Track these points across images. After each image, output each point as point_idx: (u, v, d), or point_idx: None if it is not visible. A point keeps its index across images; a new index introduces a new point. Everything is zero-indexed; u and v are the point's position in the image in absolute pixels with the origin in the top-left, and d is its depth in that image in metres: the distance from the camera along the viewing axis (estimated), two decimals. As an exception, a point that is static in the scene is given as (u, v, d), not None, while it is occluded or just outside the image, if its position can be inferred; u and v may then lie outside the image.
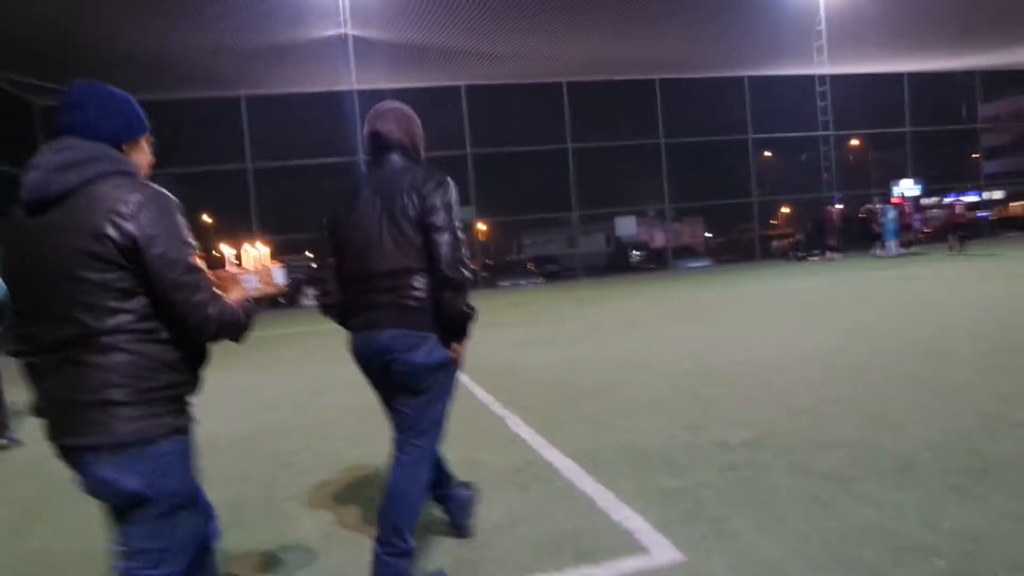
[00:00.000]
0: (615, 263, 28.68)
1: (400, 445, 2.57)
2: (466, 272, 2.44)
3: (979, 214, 34.83)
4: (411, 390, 2.51)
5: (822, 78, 24.24)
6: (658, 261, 26.77)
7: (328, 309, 2.70)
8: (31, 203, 1.68)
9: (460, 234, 2.45)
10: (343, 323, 2.66)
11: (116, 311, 1.66)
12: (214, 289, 1.77)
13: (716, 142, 25.39)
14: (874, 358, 6.10)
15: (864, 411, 4.44)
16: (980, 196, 35.38)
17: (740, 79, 24.25)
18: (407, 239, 2.43)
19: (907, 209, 22.50)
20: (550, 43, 19.70)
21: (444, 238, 2.40)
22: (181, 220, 1.73)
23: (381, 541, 2.48)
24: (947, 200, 22.67)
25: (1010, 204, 44.69)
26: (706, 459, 3.79)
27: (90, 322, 1.65)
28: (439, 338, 2.48)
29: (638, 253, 28.86)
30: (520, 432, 4.63)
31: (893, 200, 22.64)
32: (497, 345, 8.90)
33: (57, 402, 1.70)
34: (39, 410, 1.77)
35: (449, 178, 2.50)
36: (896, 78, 25.65)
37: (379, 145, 2.59)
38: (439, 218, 2.41)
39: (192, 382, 1.82)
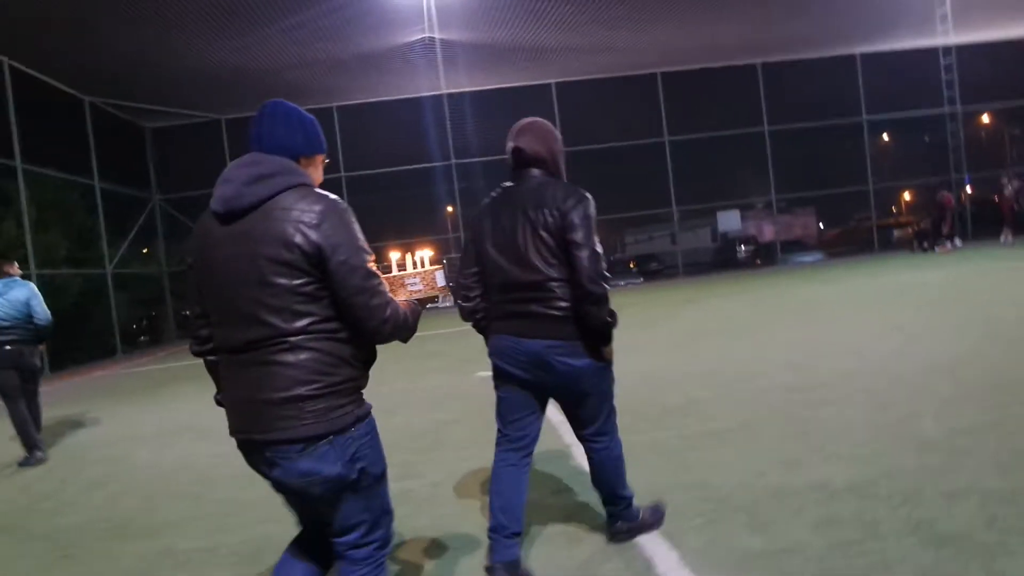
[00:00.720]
0: (721, 259, 27.37)
1: (585, 438, 2.84)
2: (606, 285, 2.53)
3: None
4: (577, 392, 2.70)
5: (947, 49, 22.02)
6: (767, 256, 25.18)
7: (471, 315, 2.82)
8: (224, 213, 1.82)
9: (599, 248, 2.56)
10: (483, 330, 2.83)
11: (303, 313, 1.79)
12: (388, 293, 1.90)
13: (826, 127, 23.48)
14: (1018, 370, 5.08)
15: (1009, 444, 3.56)
16: None
17: (852, 57, 22.38)
18: (550, 251, 2.55)
19: None
20: (640, 32, 18.72)
21: (584, 253, 2.50)
22: (357, 228, 1.85)
23: (607, 502, 2.94)
24: None
25: None
26: (799, 508, 3.07)
27: (280, 324, 1.78)
28: (584, 345, 2.61)
29: (745, 248, 27.37)
30: (578, 464, 3.99)
31: None
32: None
33: (249, 400, 1.82)
34: (227, 407, 1.92)
35: (588, 194, 2.60)
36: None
37: (521, 160, 2.70)
38: (579, 234, 2.51)
39: (365, 377, 1.94)
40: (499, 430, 2.83)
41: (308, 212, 1.78)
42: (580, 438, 2.86)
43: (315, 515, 1.99)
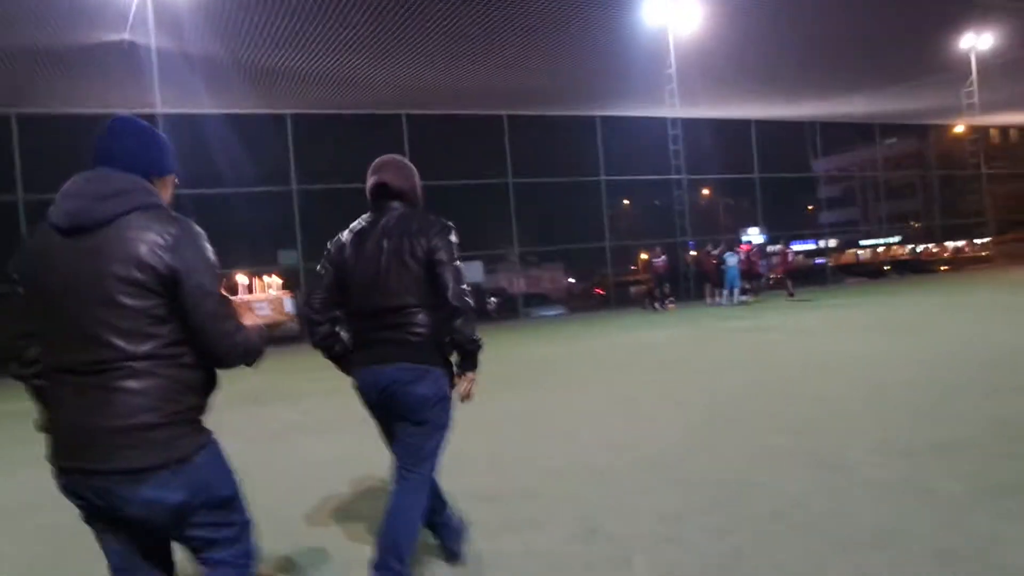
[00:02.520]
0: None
1: (401, 472, 2.76)
2: (470, 301, 2.66)
3: (817, 261, 36.15)
4: (413, 420, 2.72)
5: (674, 121, 23.69)
6: (510, 308, 24.99)
7: (323, 340, 2.82)
8: (68, 228, 1.76)
9: (462, 269, 2.71)
10: (335, 357, 2.87)
11: (150, 336, 1.75)
12: (238, 318, 1.90)
13: (567, 184, 24.11)
14: (742, 449, 4.28)
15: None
16: (817, 244, 36.75)
17: (593, 120, 23.23)
18: (412, 277, 2.68)
19: (754, 256, 21.96)
20: (383, 67, 17.67)
21: (449, 273, 2.64)
22: (211, 252, 1.84)
23: (378, 565, 2.67)
24: (774, 248, 22.34)
25: (845, 251, 47.39)
26: None
27: (125, 346, 1.72)
28: (443, 372, 2.73)
29: (494, 300, 27.08)
30: None
31: (742, 247, 22.00)
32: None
33: (84, 426, 1.73)
34: (53, 433, 1.82)
35: (451, 223, 2.76)
36: (744, 125, 25.64)
37: (384, 194, 2.83)
38: (443, 255, 2.66)
39: (206, 406, 1.91)
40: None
41: (164, 234, 1.76)
42: (396, 470, 2.80)
43: (161, 539, 1.93)
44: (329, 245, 2.92)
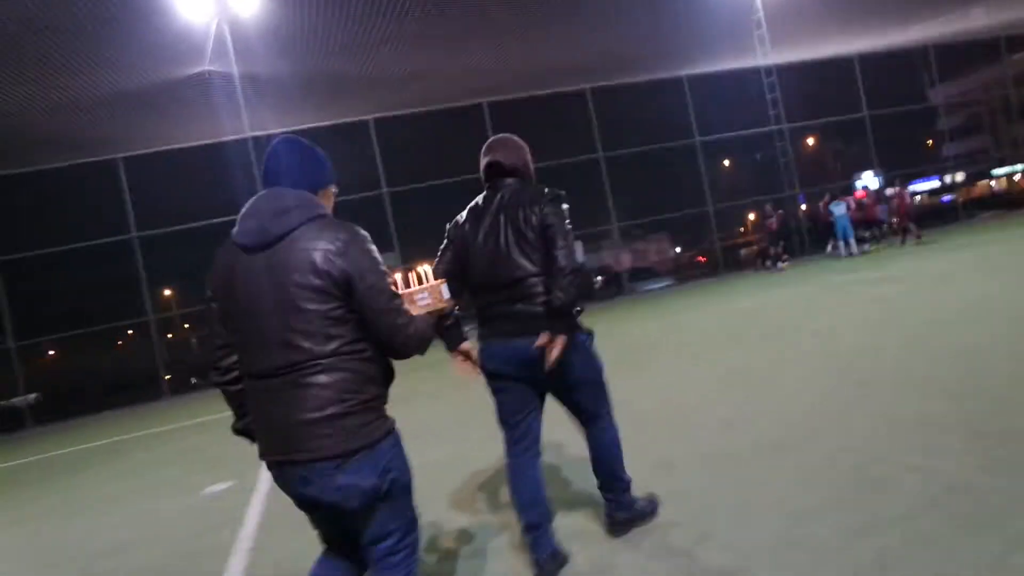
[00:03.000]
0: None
1: (585, 423, 2.99)
2: (578, 262, 2.69)
3: (944, 199, 33.19)
4: (565, 386, 2.86)
5: (768, 69, 22.20)
6: (615, 285, 24.31)
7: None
8: (252, 246, 1.93)
9: (571, 234, 2.73)
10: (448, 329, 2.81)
11: (333, 336, 1.91)
12: (408, 311, 2.05)
13: (660, 150, 23.08)
14: (879, 422, 3.65)
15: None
16: (942, 180, 33.78)
17: (679, 80, 22.11)
18: (532, 248, 2.73)
19: (870, 202, 20.23)
20: (458, 57, 17.40)
21: (560, 236, 2.66)
22: (377, 253, 1.99)
23: (606, 487, 3.05)
24: (891, 191, 20.18)
25: (976, 184, 43.32)
26: None
27: (312, 347, 1.89)
28: (576, 332, 2.77)
29: (600, 279, 26.46)
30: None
31: (857, 195, 20.33)
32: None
33: (284, 422, 1.91)
34: (255, 431, 2.03)
35: (562, 192, 2.79)
36: (847, 63, 23.68)
37: (497, 172, 2.91)
38: (554, 219, 2.70)
39: (386, 395, 2.05)
40: (504, 433, 2.95)
41: (334, 241, 1.91)
42: (579, 425, 3.01)
43: (348, 528, 2.04)
44: (448, 226, 3.00)
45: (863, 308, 9.07)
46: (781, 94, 22.42)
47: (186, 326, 35.93)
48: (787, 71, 22.41)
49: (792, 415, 4.63)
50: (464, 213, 2.96)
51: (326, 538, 2.18)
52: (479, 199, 2.96)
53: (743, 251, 32.23)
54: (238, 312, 1.96)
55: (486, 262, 2.80)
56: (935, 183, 37.93)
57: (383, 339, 1.97)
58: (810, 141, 38.58)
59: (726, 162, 41.04)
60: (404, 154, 20.10)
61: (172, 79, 15.08)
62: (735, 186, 36.31)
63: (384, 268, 1.98)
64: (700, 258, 33.27)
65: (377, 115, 19.73)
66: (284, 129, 19.00)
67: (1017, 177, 43.11)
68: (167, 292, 31.59)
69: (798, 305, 10.84)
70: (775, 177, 23.74)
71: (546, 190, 2.80)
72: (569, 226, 2.73)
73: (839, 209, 18.75)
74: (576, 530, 3.28)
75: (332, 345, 1.89)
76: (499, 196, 2.85)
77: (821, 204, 19.73)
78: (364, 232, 1.99)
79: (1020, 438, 3.37)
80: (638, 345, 10.10)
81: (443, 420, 7.00)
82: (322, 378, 1.88)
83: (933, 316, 7.39)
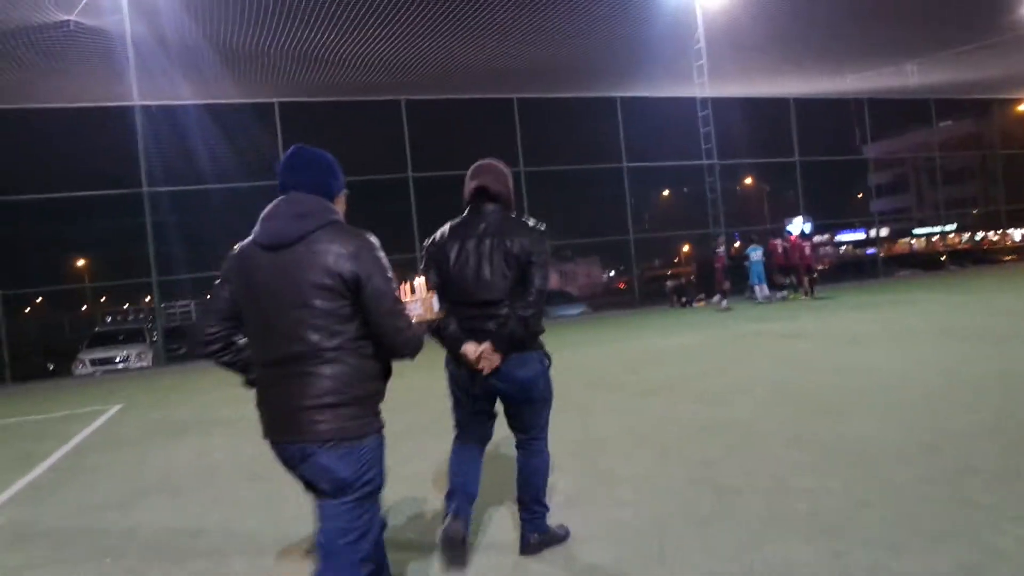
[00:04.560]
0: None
1: (522, 442, 3.20)
2: (543, 300, 3.03)
3: (868, 251, 33.54)
4: (521, 400, 3.09)
5: (704, 101, 21.57)
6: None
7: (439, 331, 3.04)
8: (271, 245, 2.15)
9: (550, 273, 3.11)
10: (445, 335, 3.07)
11: (338, 332, 2.11)
12: (408, 316, 2.25)
13: (587, 171, 22.14)
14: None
15: None
16: (867, 233, 34.18)
17: (613, 100, 21.27)
18: (507, 275, 2.98)
19: (793, 247, 19.43)
20: (387, 47, 16.04)
21: (540, 273, 3.00)
22: (385, 259, 2.18)
23: (526, 508, 3.21)
24: (777, 241, 19.42)
25: (898, 241, 44.34)
26: None
27: (319, 340, 2.10)
28: (540, 354, 3.11)
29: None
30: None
31: (773, 242, 19.43)
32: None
33: (284, 406, 2.14)
34: (264, 413, 2.23)
35: (543, 226, 3.10)
36: (782, 104, 23.33)
37: (483, 196, 3.10)
38: (538, 258, 2.99)
39: (383, 391, 2.26)
40: (457, 428, 3.26)
41: (347, 246, 2.11)
42: (519, 442, 3.21)
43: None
44: (427, 242, 3.19)
45: (762, 366, 8.11)
46: (715, 128, 21.82)
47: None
48: (722, 105, 21.81)
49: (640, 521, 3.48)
50: (444, 231, 3.12)
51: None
52: (460, 220, 3.14)
53: (669, 283, 31.79)
54: (253, 304, 2.18)
55: (465, 281, 3.00)
56: (861, 235, 38.49)
57: (384, 339, 2.17)
58: (747, 180, 38.58)
59: (664, 192, 40.69)
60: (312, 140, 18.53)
61: (31, 25, 13.12)
62: (666, 216, 35.90)
63: (390, 275, 2.16)
64: (620, 284, 32.62)
65: (282, 99, 18.14)
66: (185, 102, 17.27)
67: (936, 238, 44.30)
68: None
69: (695, 356, 9.85)
70: (703, 212, 23.17)
71: (531, 223, 3.08)
72: (548, 264, 3.04)
73: (755, 254, 18.15)
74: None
75: (336, 340, 2.10)
76: (483, 222, 3.05)
77: (719, 250, 18.87)
78: (375, 239, 2.19)
79: None
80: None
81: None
82: (324, 369, 2.09)
83: (829, 382, 6.43)
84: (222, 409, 8.43)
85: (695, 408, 6.14)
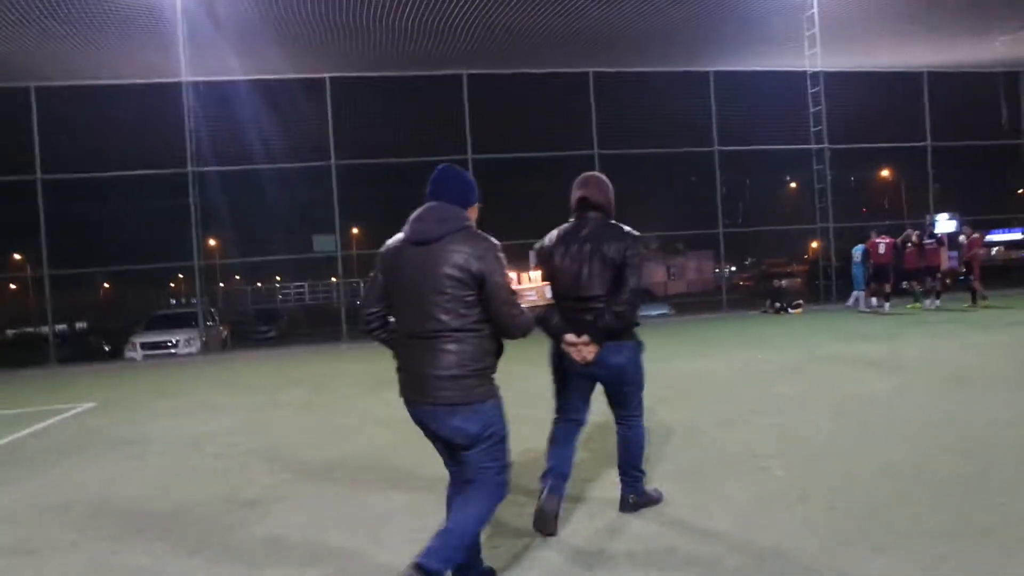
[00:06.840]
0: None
1: (619, 419, 3.74)
2: (639, 299, 3.52)
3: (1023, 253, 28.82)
4: (620, 383, 3.62)
5: (815, 76, 18.67)
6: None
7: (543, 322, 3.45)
8: (418, 242, 2.74)
9: (644, 274, 3.56)
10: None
11: (464, 315, 2.68)
12: (520, 305, 2.80)
13: (669, 155, 19.62)
14: None
15: None
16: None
17: (704, 74, 18.77)
18: (605, 275, 3.47)
19: (942, 249, 15.95)
20: (447, 12, 14.51)
21: (635, 275, 3.45)
22: (504, 259, 2.73)
23: (625, 473, 3.77)
24: (962, 238, 16.04)
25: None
26: None
27: (448, 320, 2.67)
28: (634, 344, 3.60)
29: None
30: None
31: (872, 241, 15.96)
32: None
33: (421, 373, 2.72)
34: (403, 376, 2.83)
35: (638, 233, 3.61)
36: (913, 78, 19.87)
37: (586, 206, 3.63)
38: (634, 260, 3.47)
39: (496, 366, 2.82)
40: (558, 407, 3.76)
41: (476, 248, 2.68)
42: (618, 418, 3.74)
43: (457, 455, 2.84)
44: (537, 245, 3.75)
45: (806, 417, 5.96)
46: (826, 107, 18.87)
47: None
48: (836, 80, 18.77)
49: None
50: (552, 235, 3.68)
51: (445, 461, 2.97)
52: (567, 226, 3.68)
53: (781, 282, 28.57)
54: (400, 287, 2.77)
55: (568, 279, 3.51)
56: (1017, 235, 33.17)
57: (500, 323, 2.72)
58: (881, 172, 34.31)
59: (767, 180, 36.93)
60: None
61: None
62: (774, 208, 32.52)
63: (507, 272, 2.74)
64: (739, 281, 29.08)
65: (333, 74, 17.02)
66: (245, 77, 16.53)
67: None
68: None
69: (727, 390, 7.71)
70: (809, 204, 20.28)
71: (626, 230, 3.56)
72: (642, 267, 3.51)
73: (857, 254, 15.40)
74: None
75: (461, 322, 2.66)
76: (585, 228, 3.58)
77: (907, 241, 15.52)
78: (496, 241, 2.74)
79: None
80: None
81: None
82: (451, 346, 2.66)
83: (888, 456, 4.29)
84: (184, 422, 7.24)
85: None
